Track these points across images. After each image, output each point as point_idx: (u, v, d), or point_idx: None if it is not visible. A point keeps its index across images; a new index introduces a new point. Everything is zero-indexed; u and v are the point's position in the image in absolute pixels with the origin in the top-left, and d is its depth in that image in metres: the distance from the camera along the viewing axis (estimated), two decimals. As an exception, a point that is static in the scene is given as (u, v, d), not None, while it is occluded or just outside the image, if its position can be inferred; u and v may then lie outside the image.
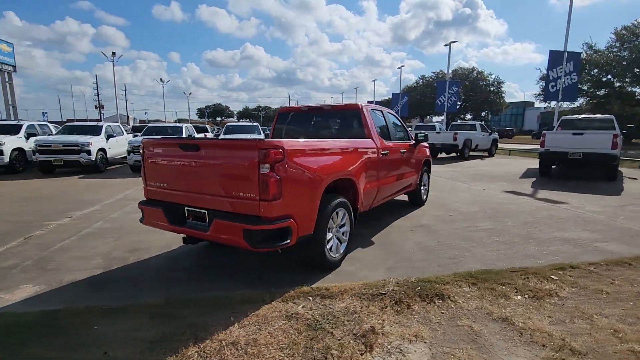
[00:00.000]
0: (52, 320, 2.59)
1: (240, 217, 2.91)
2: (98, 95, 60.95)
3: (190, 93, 67.71)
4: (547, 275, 3.33)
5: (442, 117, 29.92)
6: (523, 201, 6.97)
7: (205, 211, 3.14)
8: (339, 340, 2.31)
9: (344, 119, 4.85)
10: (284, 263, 3.81)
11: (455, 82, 26.77)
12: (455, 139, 15.47)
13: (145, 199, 3.66)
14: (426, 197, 6.85)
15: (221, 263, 3.86)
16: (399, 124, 5.84)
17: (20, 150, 12.09)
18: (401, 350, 2.23)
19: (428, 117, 49.23)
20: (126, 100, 69.70)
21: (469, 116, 44.83)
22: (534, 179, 10.07)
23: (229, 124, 16.64)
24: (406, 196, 6.49)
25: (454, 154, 16.97)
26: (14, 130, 12.89)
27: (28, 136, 12.84)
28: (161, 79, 46.73)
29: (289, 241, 2.95)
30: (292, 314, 2.65)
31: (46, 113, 60.86)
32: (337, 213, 3.67)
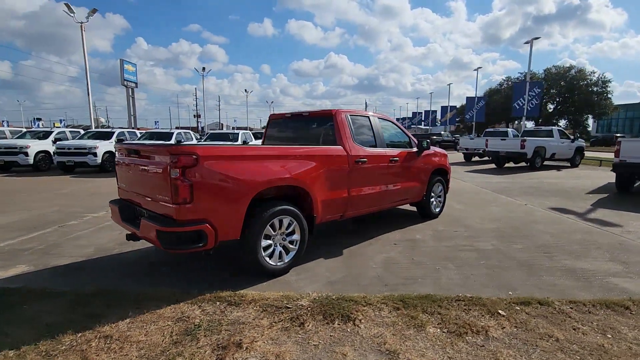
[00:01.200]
0: (6, 298, 3.06)
1: (160, 219, 3.08)
2: (196, 105, 69.63)
3: (272, 102, 72.11)
4: (495, 310, 2.79)
5: (530, 123, 26.76)
6: (563, 220, 5.89)
7: (144, 211, 3.39)
8: (198, 348, 2.29)
9: (319, 125, 4.73)
10: (239, 267, 3.87)
11: (537, 84, 23.65)
12: (522, 147, 13.72)
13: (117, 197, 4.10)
14: (440, 210, 6.24)
15: (184, 261, 4.08)
16: (396, 131, 5.47)
17: (46, 152, 14.37)
18: (246, 367, 2.12)
19: (516, 122, 44.40)
20: (219, 110, 77.58)
21: (563, 121, 38.98)
22: (605, 195, 8.41)
23: None
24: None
25: (523, 164, 15.06)
26: (107, 136, 15.41)
27: (118, 141, 15.30)
28: (245, 90, 50.94)
29: (202, 244, 3.02)
30: (185, 316, 2.71)
31: (158, 122, 71.44)
32: (282, 221, 3.61)
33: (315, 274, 3.68)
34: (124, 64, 31.92)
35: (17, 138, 15.45)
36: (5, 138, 16.57)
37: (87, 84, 21.23)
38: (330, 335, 2.46)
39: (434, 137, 28.51)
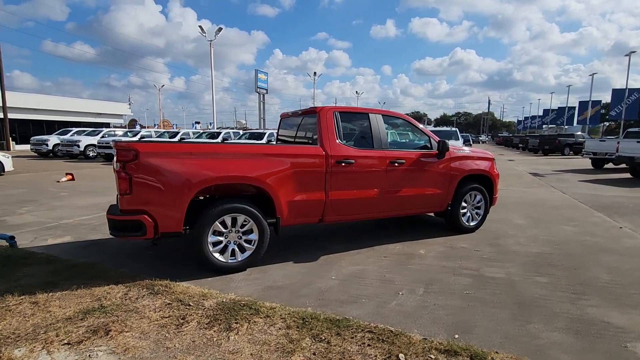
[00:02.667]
0: (20, 259, 3.88)
1: (113, 208, 3.45)
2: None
3: (384, 103, 71.33)
4: (397, 353, 2.20)
5: None
6: (658, 254, 4.21)
7: (120, 200, 3.83)
8: (76, 327, 2.48)
9: (310, 123, 4.49)
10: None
11: None
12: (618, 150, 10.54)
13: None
14: (477, 224, 5.20)
15: (173, 250, 4.43)
16: (408, 131, 4.80)
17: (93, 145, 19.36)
18: (89, 353, 2.20)
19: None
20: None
21: None
22: None
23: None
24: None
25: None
26: (213, 136, 17.79)
27: (223, 140, 17.54)
28: (356, 92, 51.82)
29: (141, 233, 3.25)
30: (104, 297, 2.96)
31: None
32: (235, 219, 3.59)
33: (267, 276, 3.54)
34: (258, 73, 36.63)
35: (158, 137, 19.37)
36: (150, 137, 20.82)
37: (212, 92, 24.90)
38: (193, 341, 2.35)
39: (563, 138, 23.67)
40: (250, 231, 3.69)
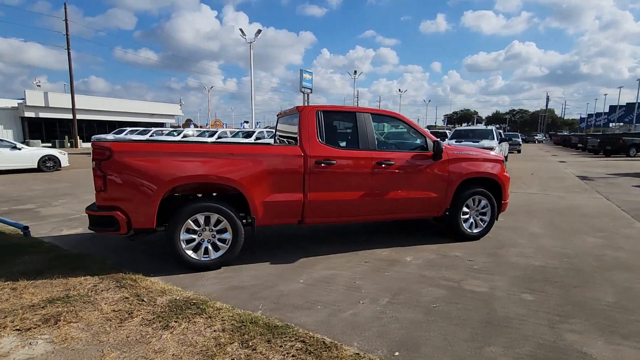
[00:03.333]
0: (27, 247, 4.25)
1: (93, 204, 3.65)
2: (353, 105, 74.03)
3: (430, 100, 68.88)
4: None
5: None
6: (692, 275, 3.57)
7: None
8: (34, 314, 2.66)
9: (294, 123, 4.40)
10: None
11: None
12: None
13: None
14: (482, 231, 4.78)
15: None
16: (401, 131, 4.54)
17: None
18: (31, 340, 2.34)
19: None
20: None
21: None
22: None
23: (458, 128, 16.23)
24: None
25: None
26: (248, 135, 18.36)
27: (256, 139, 18.04)
28: (399, 90, 50.45)
29: (114, 229, 3.41)
30: (76, 287, 3.14)
31: None
32: (209, 217, 3.64)
33: (237, 276, 3.55)
34: (303, 73, 37.52)
35: (198, 136, 20.42)
36: (192, 136, 22.01)
37: (251, 92, 25.64)
38: (127, 337, 2.40)
39: (628, 138, 21.11)
40: (224, 230, 3.72)
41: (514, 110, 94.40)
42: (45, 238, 4.69)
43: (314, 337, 2.41)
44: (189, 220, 3.57)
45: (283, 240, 4.77)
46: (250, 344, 2.31)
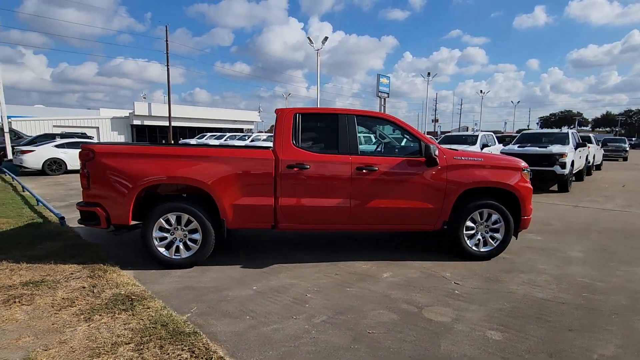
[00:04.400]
0: (54, 234, 4.91)
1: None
2: (435, 110, 70.77)
3: (519, 102, 62.10)
4: (182, 379, 1.94)
5: None
6: None
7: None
8: (1, 290, 3.04)
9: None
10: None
11: None
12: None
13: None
14: (492, 251, 4.07)
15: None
16: (391, 134, 4.09)
17: None
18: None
19: None
20: (460, 113, 75.06)
21: None
22: None
23: (526, 131, 14.32)
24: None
25: None
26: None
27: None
28: (481, 91, 46.46)
29: (95, 223, 3.72)
30: (55, 273, 3.51)
31: None
32: (180, 217, 3.77)
33: (200, 276, 3.58)
34: (380, 77, 37.60)
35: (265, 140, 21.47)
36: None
37: (317, 96, 26.18)
38: (52, 324, 2.58)
39: None
40: (195, 230, 3.81)
41: (630, 111, 79.30)
42: (77, 228, 5.36)
43: (209, 349, 2.29)
44: (160, 219, 3.73)
45: (271, 244, 4.70)
46: (143, 347, 2.29)
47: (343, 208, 3.88)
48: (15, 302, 2.90)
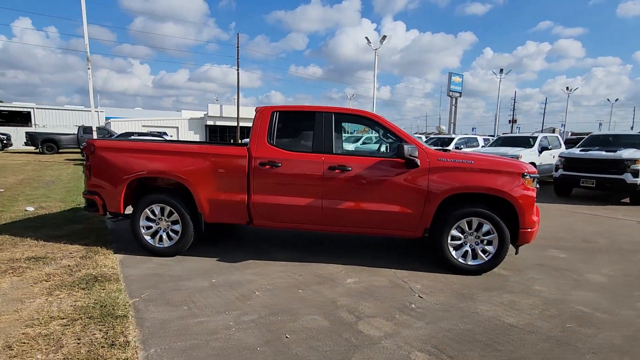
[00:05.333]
0: (84, 218, 5.58)
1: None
2: (513, 110, 64.98)
3: (617, 99, 53.62)
4: None
5: None
6: None
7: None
8: (5, 262, 3.55)
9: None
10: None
11: None
12: None
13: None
14: (483, 265, 3.62)
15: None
16: (371, 133, 3.83)
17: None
18: (-22, 282, 3.15)
19: None
20: (544, 112, 67.80)
21: None
22: None
23: (595, 133, 12.60)
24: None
25: None
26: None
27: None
28: (567, 88, 40.90)
29: (95, 210, 4.15)
30: (48, 253, 4.00)
31: (474, 128, 73.17)
32: (163, 209, 4.03)
33: (175, 265, 3.77)
34: (452, 76, 36.16)
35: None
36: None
37: (373, 99, 25.72)
38: (21, 296, 2.94)
39: None
40: (177, 222, 4.03)
41: None
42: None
43: (122, 333, 2.41)
44: (146, 210, 4.03)
45: (263, 241, 4.76)
46: (71, 324, 2.50)
47: (315, 208, 3.78)
48: (9, 273, 3.38)
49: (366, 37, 23.87)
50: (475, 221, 3.60)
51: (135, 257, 3.99)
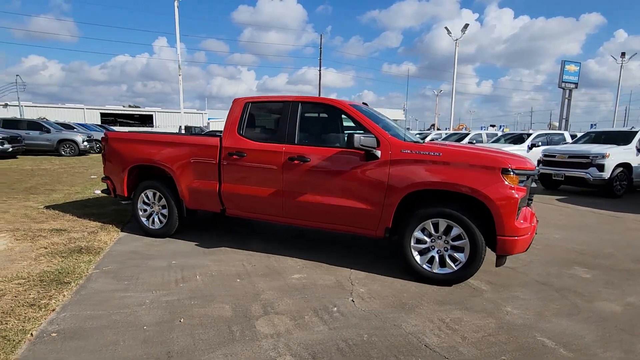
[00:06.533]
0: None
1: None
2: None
3: None
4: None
5: None
6: None
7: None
8: (35, 231, 4.30)
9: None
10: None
11: None
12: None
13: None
14: (452, 275, 3.08)
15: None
16: (336, 123, 3.58)
17: None
18: (6, 241, 3.90)
19: None
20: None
21: None
22: None
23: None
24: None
25: None
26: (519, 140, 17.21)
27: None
28: None
29: (108, 193, 4.77)
30: (80, 225, 4.70)
31: (594, 124, 62.55)
32: (155, 194, 4.42)
33: (155, 246, 4.10)
34: (565, 64, 32.51)
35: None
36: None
37: (452, 93, 23.81)
38: (20, 257, 3.56)
39: None
40: (164, 207, 4.39)
41: None
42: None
43: (52, 297, 2.72)
44: (142, 194, 4.47)
45: (258, 232, 4.85)
46: (23, 284, 2.92)
47: (276, 199, 3.71)
48: (27, 239, 4.10)
49: (446, 28, 22.16)
50: (442, 223, 3.09)
51: (133, 236, 4.45)
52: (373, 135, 3.24)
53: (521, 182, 2.99)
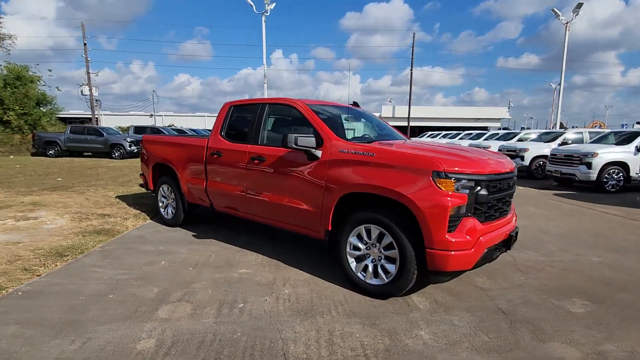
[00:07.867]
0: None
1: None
2: None
3: None
4: None
5: None
6: None
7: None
8: (85, 212, 5.37)
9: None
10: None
11: None
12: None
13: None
14: (386, 287, 2.81)
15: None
16: (298, 123, 3.54)
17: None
18: (51, 218, 4.99)
19: None
20: None
21: None
22: None
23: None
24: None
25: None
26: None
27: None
28: None
29: (144, 187, 5.64)
30: (117, 212, 5.67)
31: (625, 124, 47.05)
32: (169, 188, 5.08)
33: (159, 234, 4.72)
34: None
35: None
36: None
37: (561, 86, 20.25)
38: (52, 230, 4.52)
39: None
40: (174, 199, 5.00)
41: None
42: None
43: (43, 265, 3.43)
44: (160, 188, 5.19)
45: (249, 228, 5.12)
46: (36, 254, 3.72)
47: (242, 197, 3.90)
48: (76, 219, 5.15)
49: (553, 10, 18.90)
50: (374, 230, 2.84)
51: (154, 224, 5.19)
52: (312, 135, 3.17)
53: (463, 188, 2.56)
